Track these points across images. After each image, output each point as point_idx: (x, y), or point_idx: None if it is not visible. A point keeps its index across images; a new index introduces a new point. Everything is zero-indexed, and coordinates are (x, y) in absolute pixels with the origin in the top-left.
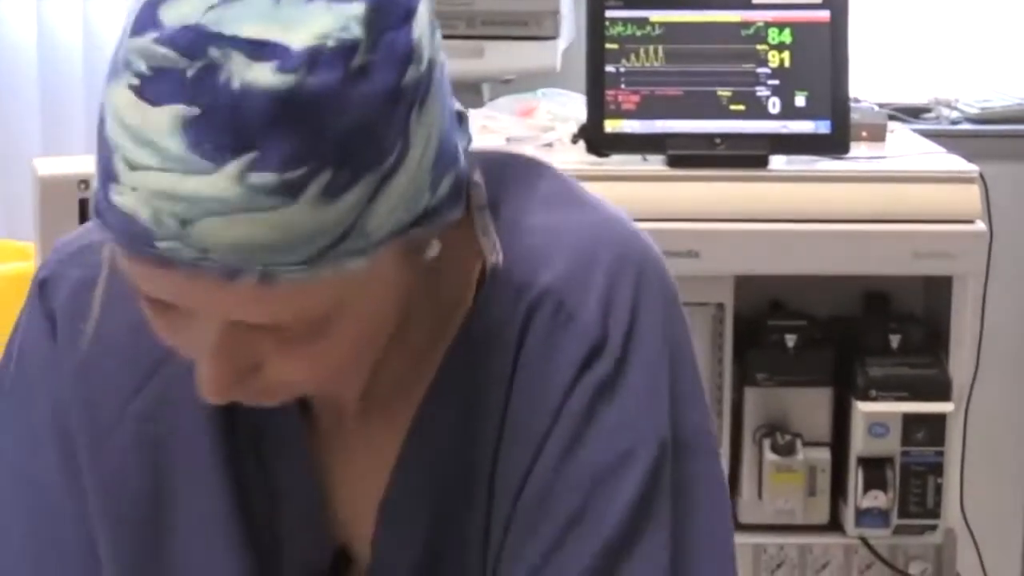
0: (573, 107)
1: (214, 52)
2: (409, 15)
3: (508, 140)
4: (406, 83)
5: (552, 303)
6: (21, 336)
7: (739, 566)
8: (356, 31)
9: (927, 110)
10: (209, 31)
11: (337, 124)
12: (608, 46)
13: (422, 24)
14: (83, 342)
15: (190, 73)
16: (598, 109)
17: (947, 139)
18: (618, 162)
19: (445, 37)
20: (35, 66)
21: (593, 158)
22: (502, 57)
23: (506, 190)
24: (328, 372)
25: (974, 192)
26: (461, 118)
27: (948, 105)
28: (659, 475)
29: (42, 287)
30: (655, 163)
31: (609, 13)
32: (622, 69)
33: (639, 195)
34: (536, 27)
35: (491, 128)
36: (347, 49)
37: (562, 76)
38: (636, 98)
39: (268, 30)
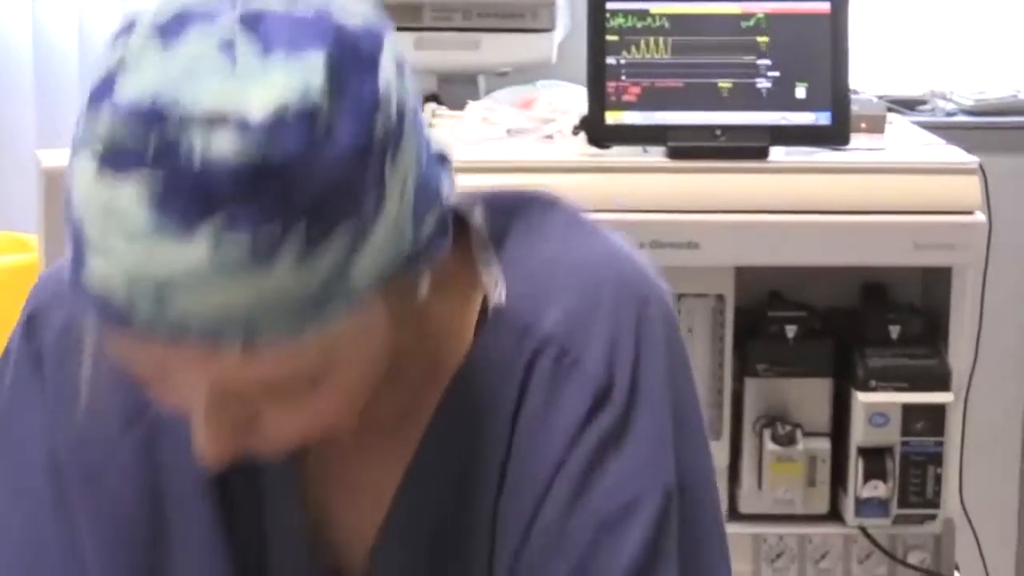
0: (572, 99)
1: (172, 127)
2: (373, 63)
3: (508, 132)
4: (376, 135)
5: (556, 348)
6: (11, 374)
7: (739, 556)
8: (317, 92)
9: (922, 102)
10: (166, 106)
11: (306, 187)
12: (609, 38)
13: (388, 69)
14: (78, 380)
15: (150, 147)
16: (599, 100)
17: (943, 131)
18: (618, 153)
19: (441, 30)
20: (30, 63)
21: (594, 149)
22: (498, 49)
23: (512, 226)
24: (324, 421)
25: (974, 183)
26: (443, 160)
27: (943, 97)
28: (665, 524)
29: (29, 324)
30: (655, 154)
31: (610, 5)
32: (623, 61)
33: (640, 186)
34: (532, 19)
35: (491, 120)
36: (309, 112)
37: (558, 68)
38: (637, 90)
39: (226, 99)
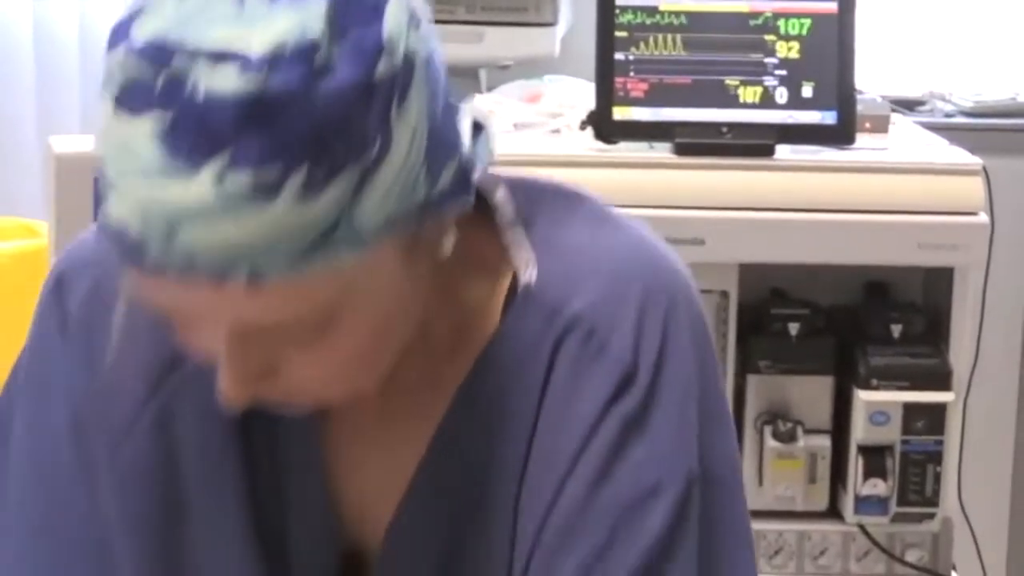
0: (579, 93)
1: (178, 62)
2: (378, 10)
3: (515, 125)
4: (378, 78)
5: (584, 330)
6: (36, 331)
7: None
8: (317, 30)
9: (921, 103)
10: (173, 43)
11: (306, 122)
12: (618, 34)
13: (395, 18)
14: (103, 346)
15: (159, 84)
16: (607, 96)
17: (942, 131)
18: (625, 149)
19: (444, 22)
20: (31, 53)
21: (600, 144)
22: (501, 43)
23: (540, 210)
24: (345, 370)
25: (977, 184)
26: (478, 128)
27: (942, 98)
28: (686, 509)
29: (58, 285)
30: (662, 151)
31: (619, 1)
32: (631, 57)
33: (646, 182)
34: (535, 13)
35: (498, 113)
36: (307, 49)
37: (560, 62)
38: (645, 86)
39: (230, 37)
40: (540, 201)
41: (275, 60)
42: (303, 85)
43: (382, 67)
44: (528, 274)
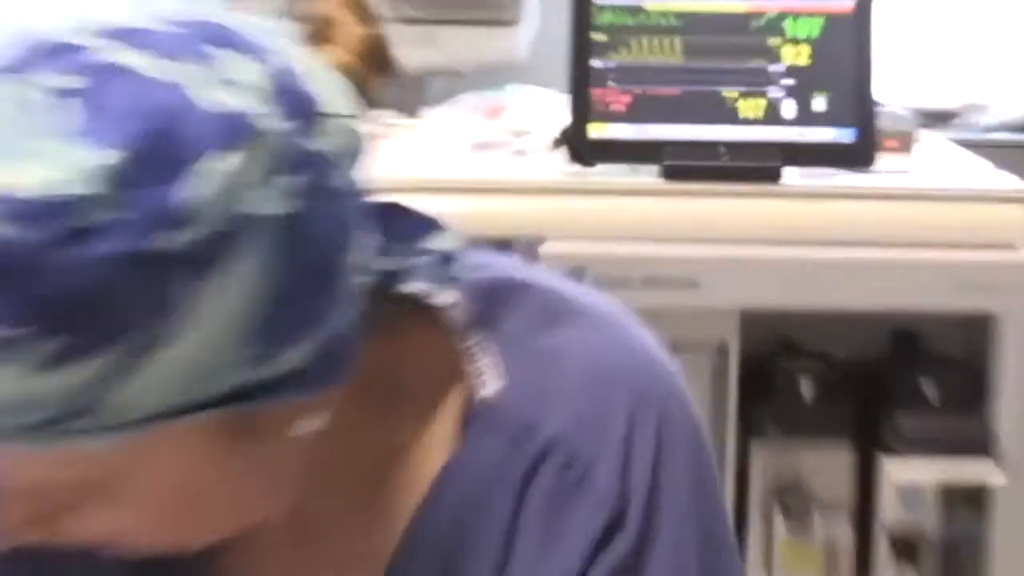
0: (546, 106)
1: None
2: (176, 173)
3: (474, 145)
4: (162, 249)
5: (561, 456)
6: None
7: None
8: (90, 184)
9: (954, 115)
10: None
11: (55, 288)
12: (595, 37)
13: (211, 179)
14: None
15: None
16: (582, 110)
17: (982, 150)
18: (604, 173)
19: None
20: None
21: (575, 168)
22: (456, 45)
23: (503, 312)
24: (149, 533)
25: (1021, 213)
26: (449, 258)
27: (981, 111)
28: None
29: None
30: (647, 175)
31: (597, 0)
32: (611, 64)
33: (628, 212)
34: (495, 10)
35: (453, 131)
36: (71, 205)
37: (526, 69)
38: (627, 98)
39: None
40: (502, 300)
41: (26, 211)
42: (55, 247)
43: (171, 238)
44: (488, 387)
